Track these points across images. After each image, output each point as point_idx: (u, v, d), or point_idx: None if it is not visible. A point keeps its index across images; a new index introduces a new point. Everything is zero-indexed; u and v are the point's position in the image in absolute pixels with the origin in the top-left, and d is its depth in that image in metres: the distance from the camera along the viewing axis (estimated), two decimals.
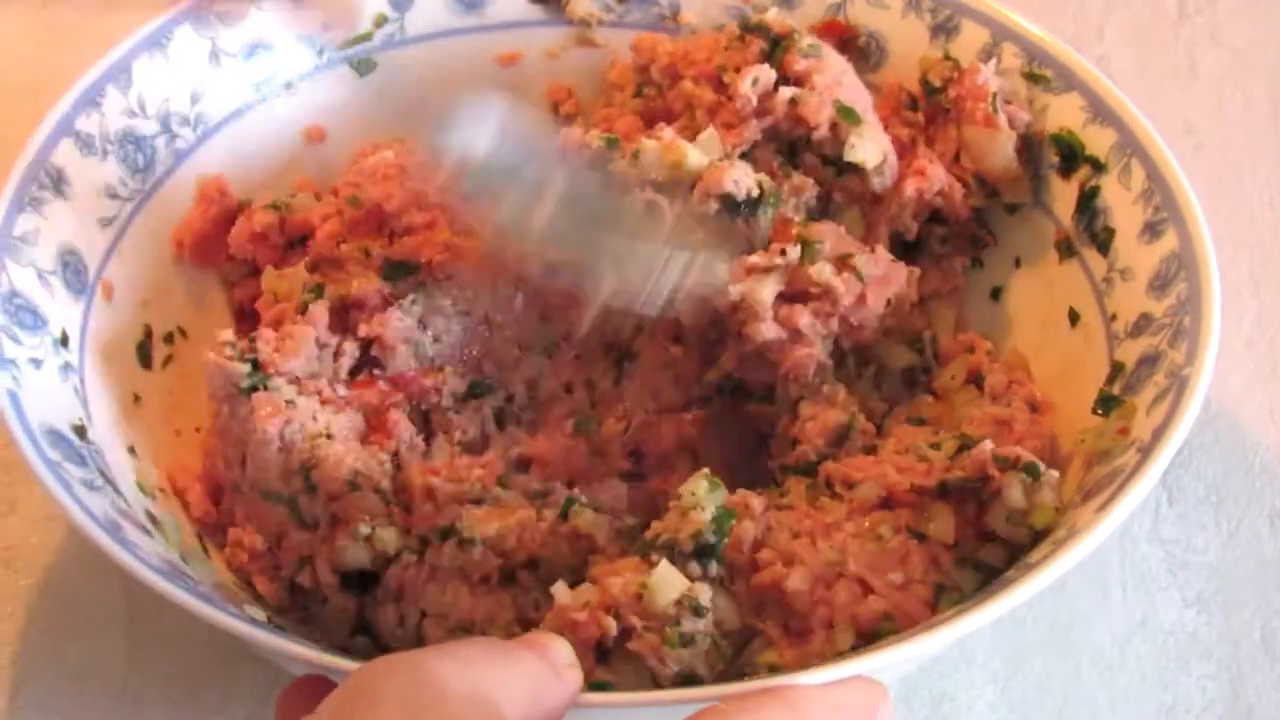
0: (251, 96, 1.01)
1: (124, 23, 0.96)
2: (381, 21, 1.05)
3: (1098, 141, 0.94)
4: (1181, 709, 0.91)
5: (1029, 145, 0.96)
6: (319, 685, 0.71)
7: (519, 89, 1.07)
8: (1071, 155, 0.95)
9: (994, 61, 0.97)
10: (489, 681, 0.64)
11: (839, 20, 1.03)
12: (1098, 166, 0.93)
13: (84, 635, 0.92)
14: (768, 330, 0.90)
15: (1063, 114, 0.96)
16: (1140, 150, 0.91)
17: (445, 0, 1.06)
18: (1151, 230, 0.89)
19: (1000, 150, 0.96)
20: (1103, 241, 0.92)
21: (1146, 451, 0.78)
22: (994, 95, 0.96)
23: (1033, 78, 0.97)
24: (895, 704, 0.88)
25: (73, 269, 0.90)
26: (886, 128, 0.99)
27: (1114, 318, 0.89)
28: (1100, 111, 0.94)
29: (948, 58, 0.99)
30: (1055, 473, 0.82)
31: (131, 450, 0.89)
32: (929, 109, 1.00)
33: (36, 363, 0.85)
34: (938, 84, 0.99)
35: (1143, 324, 0.87)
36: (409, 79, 1.06)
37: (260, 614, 0.82)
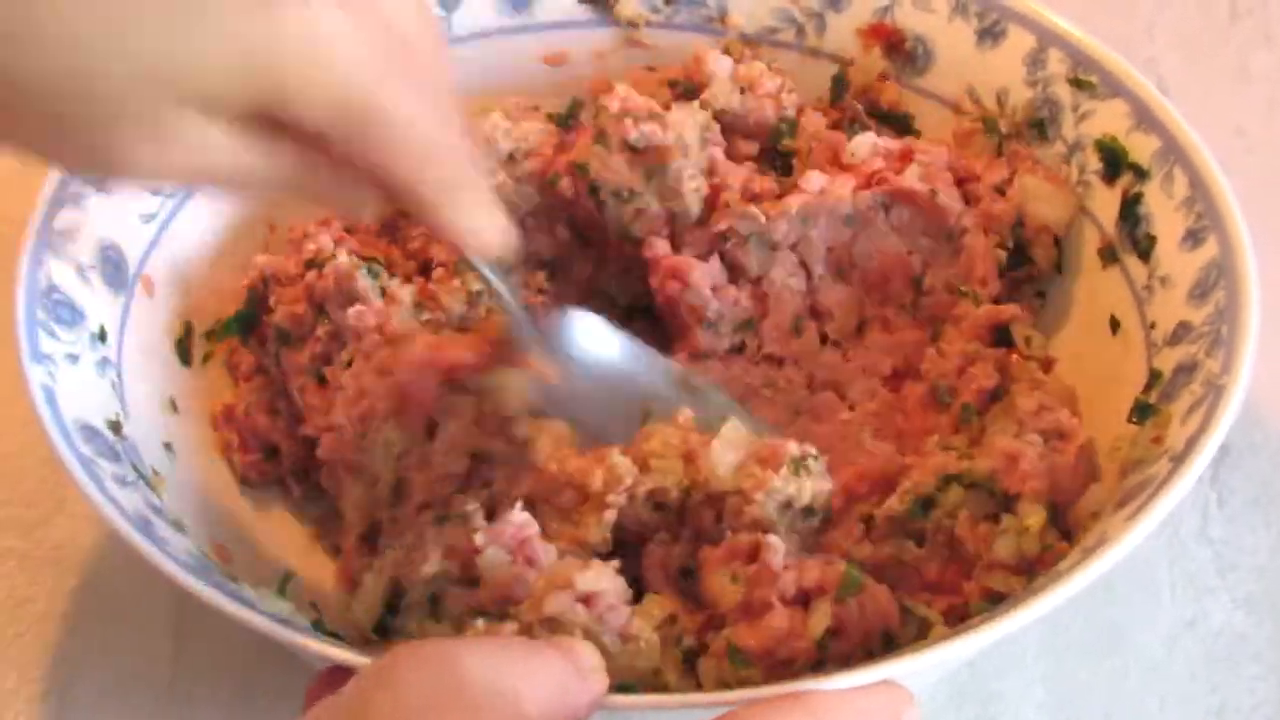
0: None
1: None
2: None
3: (1141, 148, 0.93)
4: (1230, 710, 0.90)
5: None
6: (346, 676, 0.71)
7: (566, 89, 1.07)
8: (1115, 162, 0.94)
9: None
10: (513, 676, 0.64)
11: (886, 23, 1.03)
12: (1140, 173, 0.92)
13: (132, 634, 0.93)
14: None
15: (1107, 120, 0.95)
16: (1183, 157, 0.90)
17: (493, 0, 1.06)
18: (1193, 238, 0.88)
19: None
20: (1144, 249, 0.91)
21: (1179, 460, 0.77)
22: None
23: (1078, 84, 0.96)
24: (944, 704, 0.89)
25: (113, 264, 0.91)
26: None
27: (1153, 325, 0.88)
28: (1144, 118, 0.93)
29: None
30: (1028, 521, 0.83)
31: (168, 446, 0.89)
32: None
33: (73, 358, 0.85)
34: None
35: (1181, 332, 0.86)
36: (456, 78, 1.06)
37: (287, 608, 0.82)
